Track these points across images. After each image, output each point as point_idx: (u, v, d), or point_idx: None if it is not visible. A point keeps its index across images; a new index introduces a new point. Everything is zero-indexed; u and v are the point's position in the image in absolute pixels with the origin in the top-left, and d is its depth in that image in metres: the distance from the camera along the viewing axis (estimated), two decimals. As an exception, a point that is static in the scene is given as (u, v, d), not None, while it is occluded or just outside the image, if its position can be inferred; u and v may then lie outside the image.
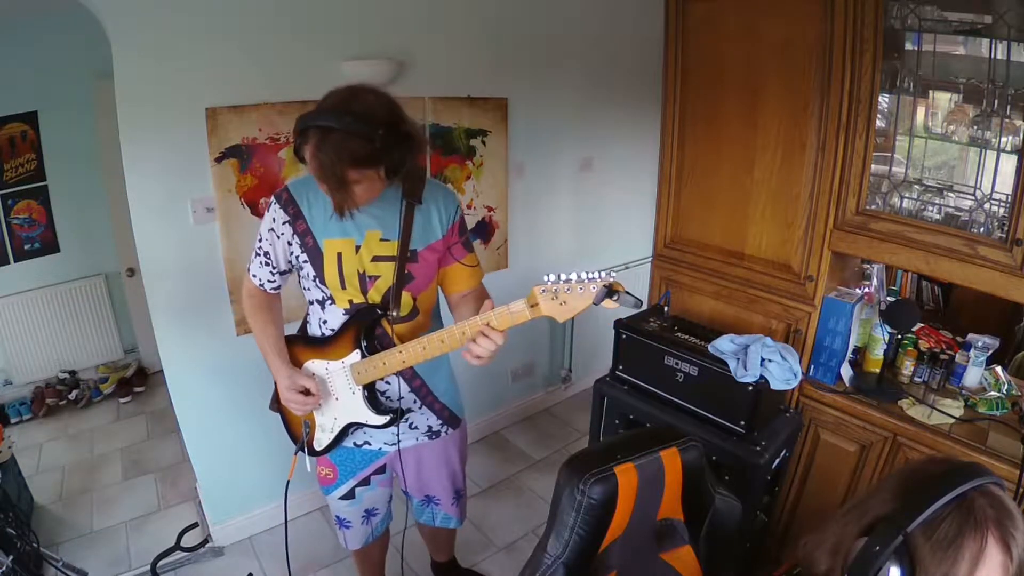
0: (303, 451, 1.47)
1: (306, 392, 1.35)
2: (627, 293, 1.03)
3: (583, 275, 1.04)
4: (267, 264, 1.37)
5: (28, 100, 2.79)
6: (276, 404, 1.53)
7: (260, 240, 1.36)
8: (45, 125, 2.86)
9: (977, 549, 0.66)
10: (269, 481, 2.22)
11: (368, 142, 1.09)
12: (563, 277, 1.05)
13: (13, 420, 3.01)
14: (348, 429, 1.44)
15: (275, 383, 1.49)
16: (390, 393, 1.43)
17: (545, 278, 1.06)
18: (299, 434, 1.49)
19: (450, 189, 1.43)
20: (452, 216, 1.38)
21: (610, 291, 1.03)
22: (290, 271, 1.41)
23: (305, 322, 1.49)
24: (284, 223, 1.32)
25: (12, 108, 2.76)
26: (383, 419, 1.39)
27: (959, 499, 0.69)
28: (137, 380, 3.34)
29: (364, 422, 1.41)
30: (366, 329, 1.34)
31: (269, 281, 1.40)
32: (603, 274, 1.04)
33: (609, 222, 3.17)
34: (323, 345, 1.38)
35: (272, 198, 1.34)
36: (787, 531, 1.95)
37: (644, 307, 1.03)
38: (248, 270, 1.42)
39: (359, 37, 2.03)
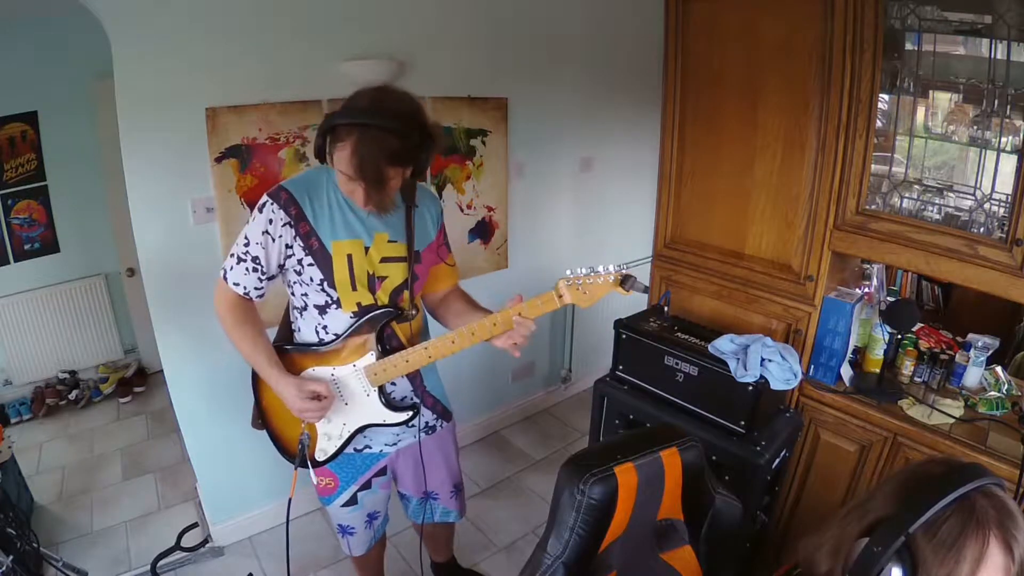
0: (304, 466, 1.42)
1: (317, 397, 1.33)
2: (637, 280, 1.22)
3: (599, 268, 1.21)
4: (255, 270, 1.28)
5: (28, 100, 2.79)
6: (259, 421, 1.50)
7: (247, 245, 1.27)
8: (45, 125, 2.86)
9: (979, 550, 0.66)
10: (269, 481, 2.22)
11: (405, 140, 1.13)
12: (583, 271, 1.21)
13: (13, 420, 3.01)
14: (356, 433, 1.43)
15: (255, 399, 1.48)
16: (396, 393, 1.44)
17: (568, 272, 1.22)
18: (293, 450, 1.43)
19: (432, 192, 1.47)
20: (439, 218, 1.45)
21: (628, 279, 1.20)
22: (276, 276, 1.34)
23: (289, 330, 1.44)
24: (284, 225, 1.25)
25: (12, 108, 2.77)
26: (403, 416, 1.40)
27: (961, 500, 0.69)
28: (137, 380, 3.34)
29: (382, 422, 1.41)
30: (380, 331, 1.34)
31: (256, 289, 1.31)
32: (616, 267, 1.22)
33: (609, 222, 3.17)
34: (327, 351, 1.35)
35: (265, 199, 1.26)
36: (787, 531, 1.94)
37: (646, 291, 1.25)
38: (225, 280, 1.31)
39: (359, 37, 2.03)
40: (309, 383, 1.33)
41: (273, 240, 1.27)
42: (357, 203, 1.24)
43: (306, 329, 1.38)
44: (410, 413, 1.41)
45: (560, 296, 1.22)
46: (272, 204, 1.25)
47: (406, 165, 1.18)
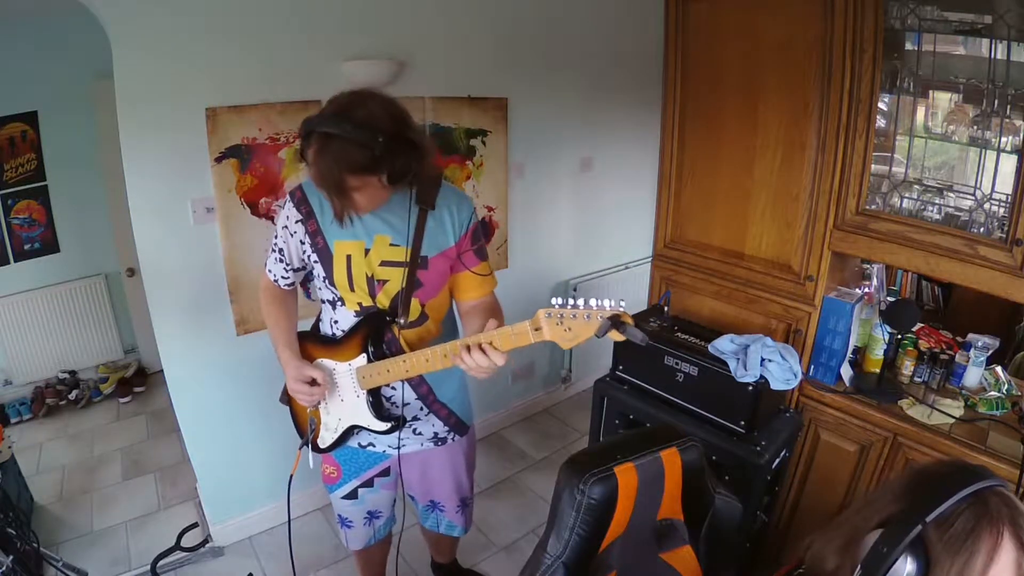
0: (308, 447, 1.48)
1: (312, 383, 1.35)
2: (635, 327, 0.97)
3: (592, 302, 1.00)
4: (281, 261, 1.39)
5: (28, 100, 2.79)
6: (286, 396, 1.53)
7: (276, 237, 1.38)
8: (45, 125, 2.86)
9: (993, 544, 0.67)
10: (269, 481, 2.22)
11: (367, 150, 1.08)
12: (571, 303, 1.01)
13: (13, 420, 3.01)
14: (351, 431, 1.44)
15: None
16: (395, 398, 1.43)
17: (552, 301, 1.02)
18: (306, 429, 1.49)
19: (466, 195, 1.40)
20: (466, 223, 1.34)
21: (616, 323, 0.97)
22: (303, 269, 1.42)
23: (318, 320, 1.50)
24: (297, 222, 1.32)
25: (12, 108, 2.77)
26: (384, 425, 1.39)
27: (974, 496, 0.70)
28: (137, 380, 3.34)
29: (366, 426, 1.41)
30: (374, 334, 1.34)
31: (283, 278, 1.42)
32: (612, 303, 0.99)
33: (609, 222, 3.17)
34: (333, 345, 1.39)
35: (287, 196, 1.35)
36: (787, 531, 1.95)
37: (645, 344, 0.98)
38: (265, 265, 1.44)
39: (359, 37, 2.03)
40: (308, 368, 1.36)
41: (291, 235, 1.35)
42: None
43: (324, 320, 1.44)
44: (392, 424, 1.39)
45: (537, 329, 1.05)
46: (289, 201, 1.33)
47: (373, 174, 1.13)
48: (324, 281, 1.34)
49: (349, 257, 1.30)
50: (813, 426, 1.82)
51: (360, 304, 1.34)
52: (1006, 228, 1.40)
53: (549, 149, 2.75)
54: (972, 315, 2.57)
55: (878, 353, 1.78)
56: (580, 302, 1.01)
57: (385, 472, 1.57)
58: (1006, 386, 1.68)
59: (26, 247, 2.98)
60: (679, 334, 1.85)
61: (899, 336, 1.72)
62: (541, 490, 2.58)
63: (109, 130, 2.01)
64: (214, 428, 2.10)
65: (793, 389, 1.73)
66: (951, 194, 1.51)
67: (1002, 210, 1.42)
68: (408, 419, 1.45)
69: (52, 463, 2.73)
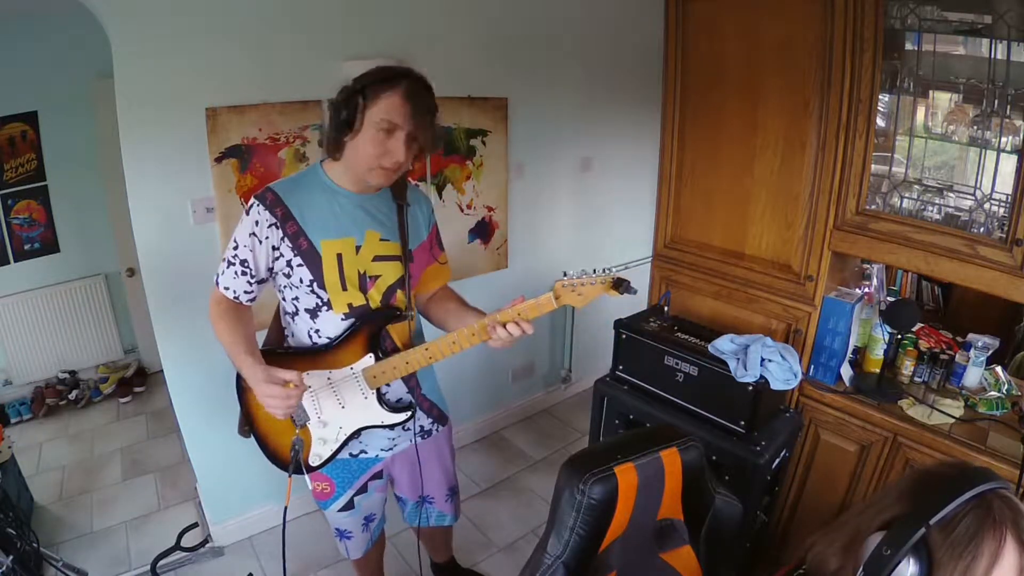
0: (299, 472, 1.38)
1: (285, 384, 1.22)
2: (629, 284, 1.23)
3: (594, 271, 1.22)
4: (244, 273, 1.27)
5: (28, 100, 2.79)
6: (246, 428, 1.46)
7: (235, 248, 1.26)
8: (45, 125, 2.86)
9: (996, 547, 0.67)
10: (269, 481, 2.21)
11: (434, 105, 1.23)
12: (574, 273, 1.22)
13: (13, 420, 3.01)
14: (352, 437, 1.41)
15: (241, 406, 1.44)
16: (390, 395, 1.43)
17: (564, 274, 1.22)
18: (283, 456, 1.41)
19: (422, 191, 1.49)
20: (430, 217, 1.46)
21: (621, 283, 1.21)
22: (267, 280, 1.32)
23: (281, 334, 1.42)
24: (270, 225, 1.24)
25: (12, 108, 2.77)
26: (402, 416, 1.39)
27: (976, 499, 0.70)
28: (137, 380, 3.34)
29: (380, 423, 1.39)
30: (376, 332, 1.33)
31: (245, 292, 1.30)
32: (611, 270, 1.22)
33: (609, 222, 3.17)
34: (323, 354, 1.33)
35: (252, 200, 1.26)
36: (787, 531, 1.95)
37: (637, 294, 1.27)
38: (217, 284, 1.31)
39: (359, 37, 2.03)
40: (278, 371, 1.22)
41: (260, 242, 1.26)
42: (373, 180, 1.24)
43: (299, 334, 1.36)
44: (408, 413, 1.41)
45: (557, 298, 1.22)
46: (258, 205, 1.25)
47: (430, 132, 1.24)
48: (311, 285, 1.27)
49: (340, 255, 1.27)
50: (813, 426, 1.82)
51: (350, 304, 1.30)
52: (1006, 228, 1.40)
53: (549, 149, 2.75)
54: (972, 315, 2.57)
55: (878, 353, 1.78)
56: (581, 271, 1.23)
57: (377, 475, 1.56)
58: (1006, 386, 1.68)
59: (26, 247, 2.98)
60: (679, 334, 1.85)
61: (899, 336, 1.71)
62: (541, 490, 2.58)
63: (109, 130, 2.01)
64: (214, 428, 2.09)
65: (793, 389, 1.73)
66: (951, 194, 1.51)
67: (1002, 210, 1.42)
68: (416, 406, 1.47)
69: (52, 463, 2.73)
